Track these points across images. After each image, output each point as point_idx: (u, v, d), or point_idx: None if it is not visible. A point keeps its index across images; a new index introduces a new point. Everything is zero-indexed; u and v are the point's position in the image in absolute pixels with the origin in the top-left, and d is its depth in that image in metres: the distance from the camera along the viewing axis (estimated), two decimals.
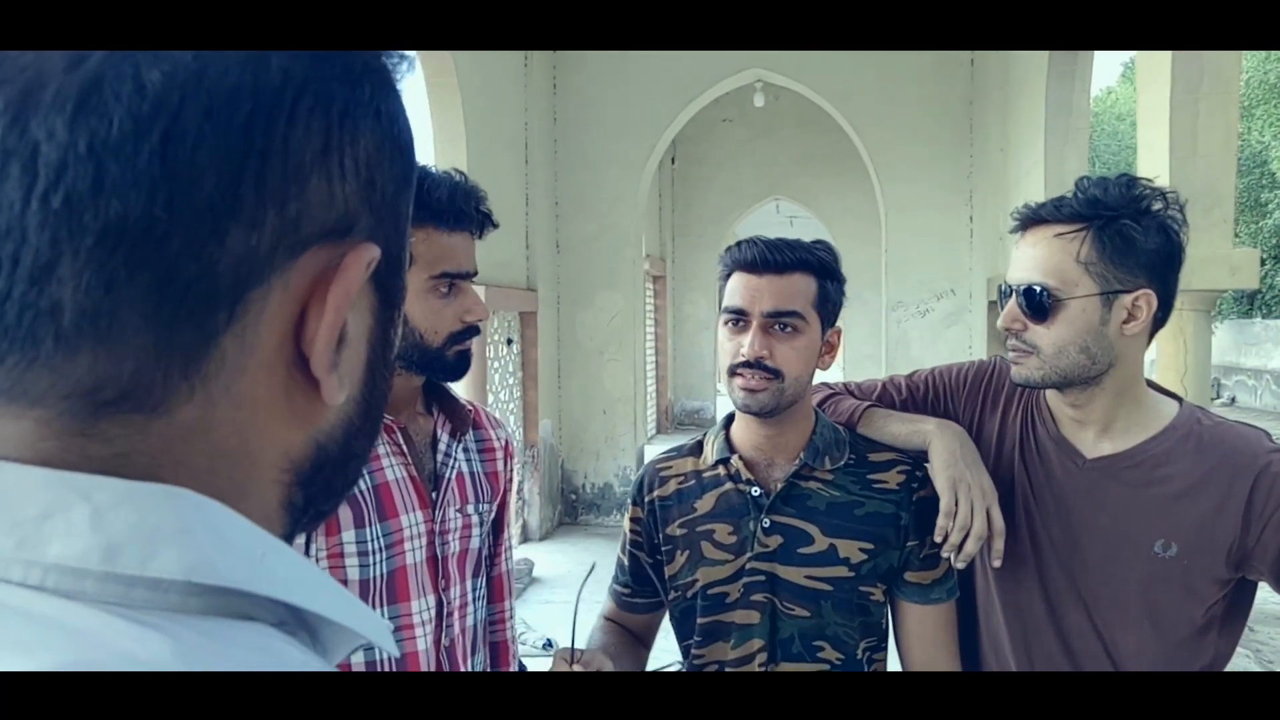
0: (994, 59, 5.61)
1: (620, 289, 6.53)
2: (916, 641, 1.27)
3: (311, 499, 0.38)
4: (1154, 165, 2.89)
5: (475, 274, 1.22)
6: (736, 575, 1.25)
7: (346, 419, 0.38)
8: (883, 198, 6.28)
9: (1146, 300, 1.15)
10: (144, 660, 0.27)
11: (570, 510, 6.74)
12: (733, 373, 1.21)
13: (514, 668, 1.42)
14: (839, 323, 1.28)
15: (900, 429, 1.31)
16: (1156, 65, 2.93)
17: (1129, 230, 1.13)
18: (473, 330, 1.21)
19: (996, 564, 1.19)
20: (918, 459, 1.28)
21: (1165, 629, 1.17)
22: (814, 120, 8.84)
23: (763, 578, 1.24)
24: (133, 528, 0.30)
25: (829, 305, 1.24)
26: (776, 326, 1.20)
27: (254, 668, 0.29)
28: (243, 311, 0.31)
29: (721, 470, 1.30)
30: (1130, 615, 1.18)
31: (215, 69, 0.30)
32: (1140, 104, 3.07)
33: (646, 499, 1.35)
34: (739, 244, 1.25)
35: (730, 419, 1.34)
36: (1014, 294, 1.18)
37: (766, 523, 1.24)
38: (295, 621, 0.35)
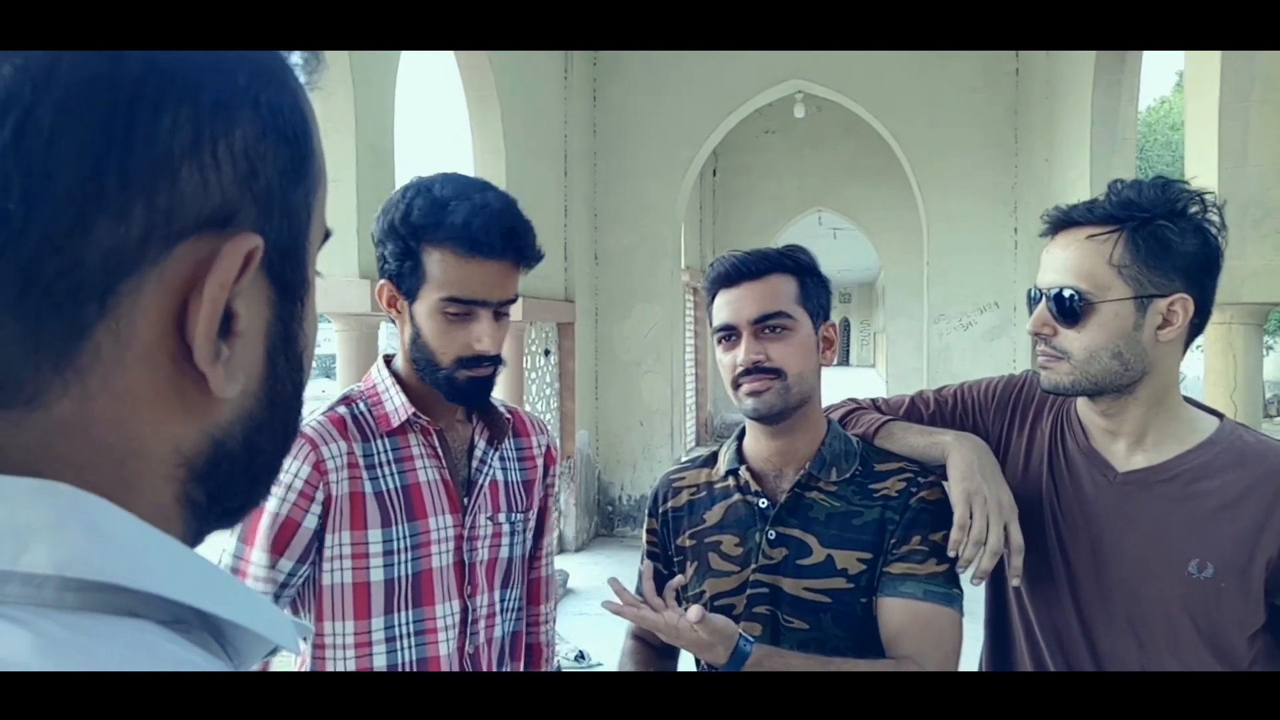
0: (1039, 68, 5.51)
1: (658, 300, 6.53)
2: (883, 632, 1.19)
3: (215, 496, 0.37)
4: (1203, 174, 2.81)
5: (502, 302, 1.16)
6: (741, 587, 1.24)
7: (246, 414, 0.37)
8: (925, 209, 6.20)
9: (1183, 305, 1.10)
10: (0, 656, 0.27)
11: (606, 522, 6.73)
12: (736, 384, 1.23)
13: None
14: (834, 319, 1.31)
15: (919, 441, 1.29)
16: (1205, 71, 2.85)
17: (1164, 232, 1.09)
18: (485, 360, 1.17)
19: (1015, 582, 1.16)
20: (925, 468, 1.25)
21: (1207, 655, 1.12)
22: (856, 132, 8.77)
23: (765, 590, 1.23)
24: (4, 522, 0.29)
25: (814, 301, 1.25)
26: (766, 330, 1.21)
27: (127, 665, 0.29)
28: (114, 304, 0.31)
29: (731, 481, 1.30)
30: (1168, 639, 1.14)
31: (71, 62, 0.30)
32: (1189, 111, 3.00)
33: (661, 510, 1.37)
34: (712, 264, 1.27)
35: (743, 432, 1.34)
36: (1044, 298, 1.15)
37: (772, 534, 1.23)
38: (199, 622, 0.34)
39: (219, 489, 0.37)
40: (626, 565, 5.84)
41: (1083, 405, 1.23)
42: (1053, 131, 5.19)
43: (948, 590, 1.21)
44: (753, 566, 1.24)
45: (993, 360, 5.92)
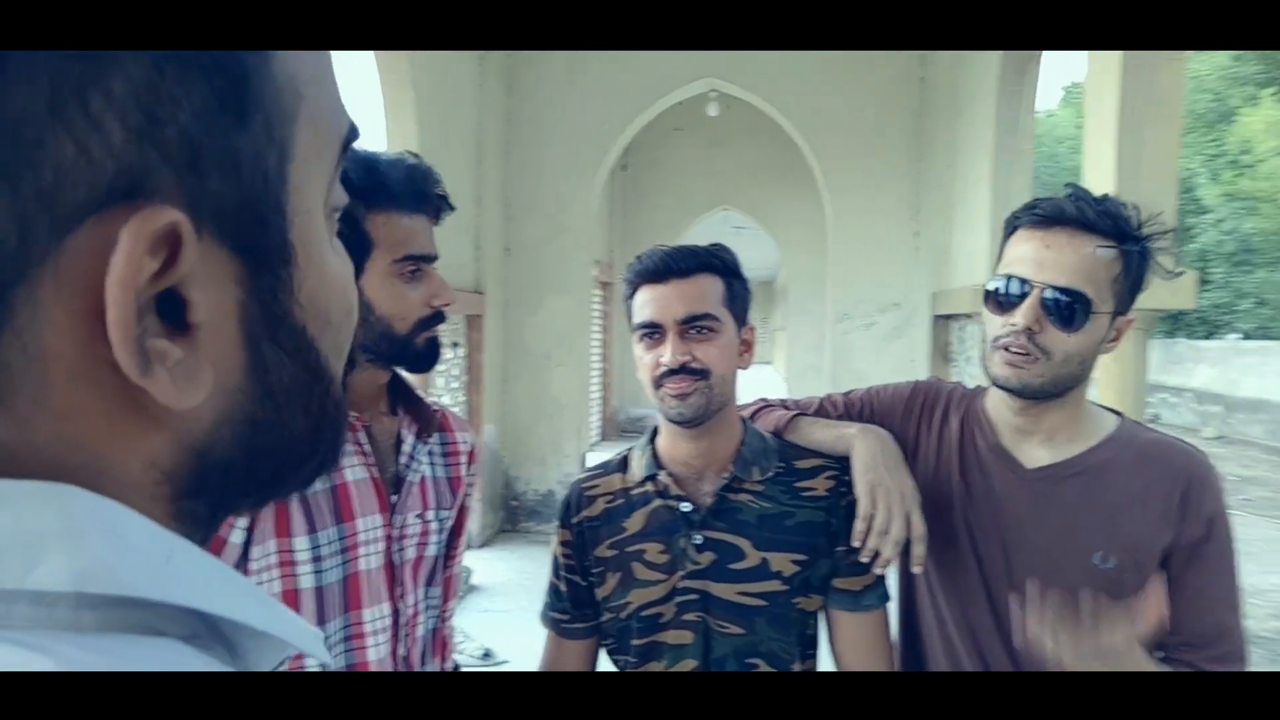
0: (943, 78, 5.70)
1: (570, 293, 6.47)
2: (849, 649, 1.24)
3: (219, 506, 0.32)
4: (1102, 184, 2.95)
5: (437, 257, 1.17)
6: (669, 595, 1.21)
7: (232, 415, 0.31)
8: (831, 210, 6.34)
9: (1129, 325, 1.18)
10: None
11: (511, 517, 6.65)
12: (658, 384, 1.19)
13: (449, 667, 1.36)
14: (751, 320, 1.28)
15: (825, 435, 1.29)
16: (1105, 86, 2.99)
17: (1148, 260, 1.15)
18: (440, 316, 1.17)
19: (917, 570, 1.19)
20: (846, 464, 1.26)
21: None
22: (763, 131, 8.90)
23: (695, 596, 1.20)
24: (10, 532, 0.25)
25: (738, 303, 1.23)
26: (693, 331, 1.18)
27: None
28: (8, 315, 0.26)
29: (650, 486, 1.25)
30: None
31: None
32: (1088, 124, 3.14)
33: (574, 520, 1.30)
34: (638, 257, 1.23)
35: (655, 433, 1.30)
36: (1035, 291, 1.14)
37: (698, 539, 1.21)
38: (209, 634, 0.30)
39: (220, 501, 0.32)
40: (532, 561, 5.78)
41: (996, 404, 1.26)
42: (954, 139, 5.37)
43: (886, 588, 1.26)
44: (680, 573, 1.21)
45: (893, 360, 6.10)
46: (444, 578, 1.31)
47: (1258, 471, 10.70)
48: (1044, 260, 1.13)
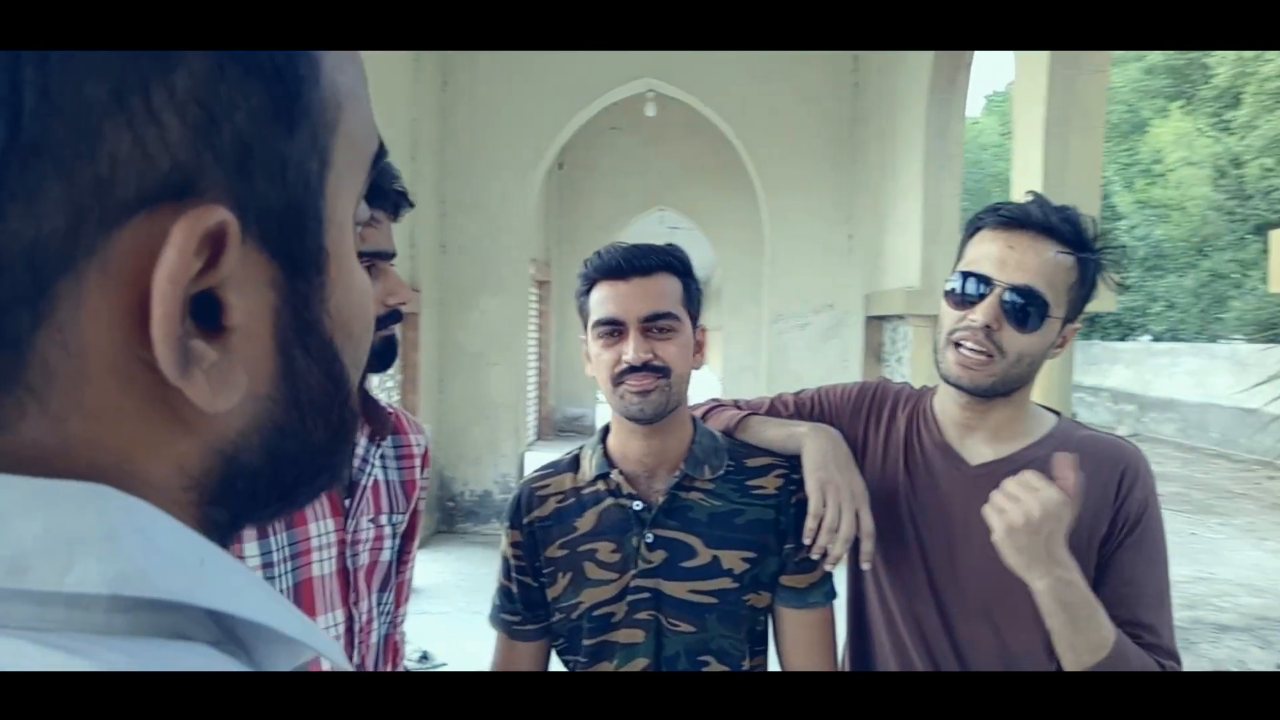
0: (875, 83, 5.82)
1: (506, 293, 6.42)
2: (794, 647, 1.26)
3: (240, 515, 0.32)
4: (1029, 189, 3.05)
5: (395, 255, 1.15)
6: (621, 594, 1.21)
7: (261, 421, 0.31)
8: (767, 211, 6.42)
9: (1074, 332, 1.22)
10: None
11: (448, 518, 6.57)
12: (618, 381, 1.18)
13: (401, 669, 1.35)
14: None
15: (775, 433, 1.31)
16: (1032, 96, 3.10)
17: (1100, 270, 1.20)
18: (397, 315, 1.15)
19: (865, 566, 1.21)
20: (795, 462, 1.28)
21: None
22: (699, 132, 8.96)
23: (647, 595, 1.21)
24: (46, 534, 0.24)
25: (694, 303, 1.25)
26: (654, 330, 1.18)
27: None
28: (50, 310, 0.25)
29: (601, 485, 1.25)
30: (1022, 621, 1.21)
31: None
32: (1016, 133, 3.24)
33: (525, 521, 1.28)
34: (598, 253, 1.22)
35: (606, 432, 1.30)
36: (997, 290, 1.16)
37: (650, 537, 1.21)
38: (229, 640, 0.29)
39: (243, 509, 0.31)
40: (468, 563, 5.72)
41: (943, 401, 1.29)
42: (886, 144, 5.50)
43: (832, 586, 1.28)
44: (632, 572, 1.21)
45: (827, 360, 6.21)
46: (396, 583, 1.29)
47: (1169, 468, 11.17)
48: (1007, 260, 1.16)
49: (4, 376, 0.26)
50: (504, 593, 1.31)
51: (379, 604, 1.20)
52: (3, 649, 0.23)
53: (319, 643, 0.31)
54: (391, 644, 1.30)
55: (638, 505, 1.22)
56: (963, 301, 1.19)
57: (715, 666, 1.21)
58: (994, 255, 1.17)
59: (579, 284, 1.23)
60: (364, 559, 1.16)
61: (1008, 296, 1.15)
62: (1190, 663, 4.56)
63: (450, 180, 6.31)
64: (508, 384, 6.48)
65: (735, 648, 1.22)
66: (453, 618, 4.72)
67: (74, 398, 0.26)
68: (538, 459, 1.35)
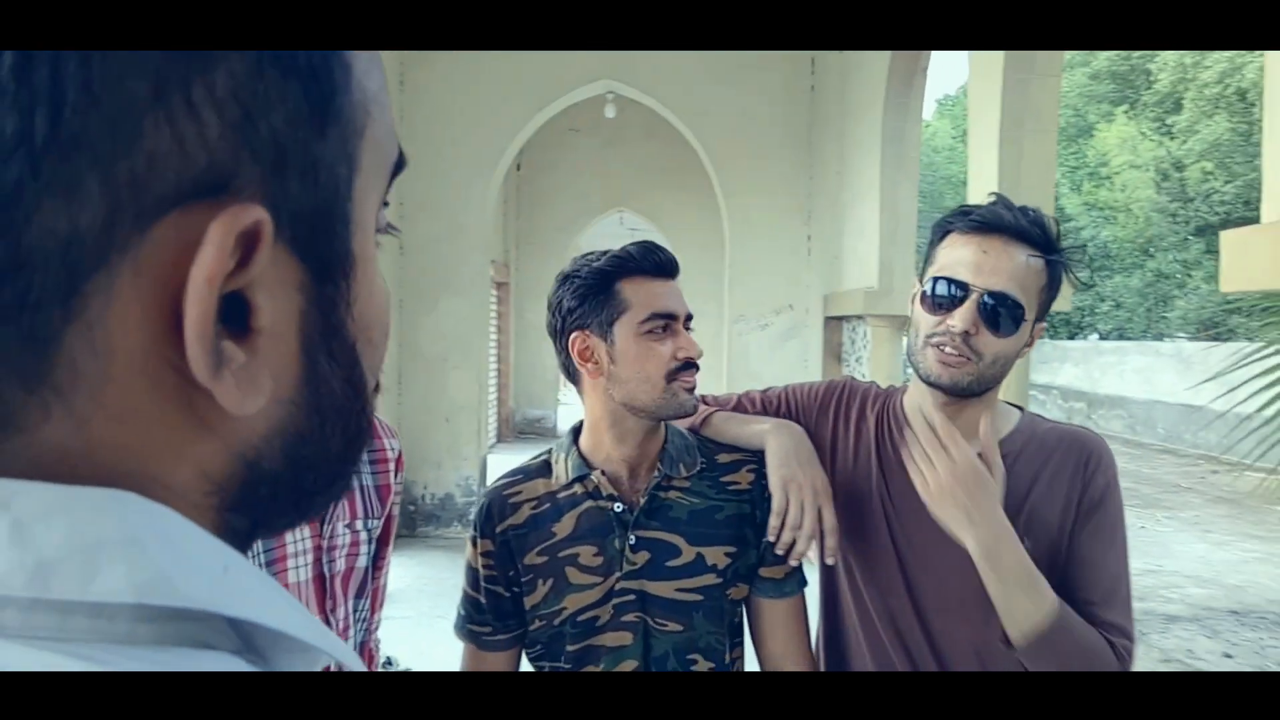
0: (833, 87, 5.89)
1: (466, 294, 6.37)
2: (771, 635, 1.29)
3: (259, 522, 0.31)
4: (985, 191, 3.12)
5: None
6: (606, 597, 1.21)
7: (283, 427, 0.31)
8: (727, 213, 6.45)
9: (1040, 332, 1.24)
10: None
11: (408, 522, 6.50)
12: (672, 377, 1.20)
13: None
14: None
15: (739, 431, 1.33)
16: (987, 100, 3.16)
17: (1066, 272, 1.22)
18: None
19: (830, 561, 1.23)
20: (763, 458, 1.29)
21: None
22: (658, 135, 8.99)
23: (633, 596, 1.21)
24: (68, 541, 0.24)
25: None
26: (688, 328, 1.24)
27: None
28: (82, 306, 0.25)
29: (578, 488, 1.24)
30: (996, 615, 1.24)
31: None
32: (971, 135, 3.30)
33: (497, 530, 1.25)
34: (631, 251, 1.22)
35: (577, 434, 1.29)
36: (974, 295, 1.17)
37: (632, 539, 1.21)
38: (249, 649, 0.29)
39: (262, 516, 0.31)
40: (431, 567, 5.66)
41: (918, 400, 1.31)
42: (844, 147, 5.56)
43: (804, 573, 1.31)
44: (616, 574, 1.21)
45: (786, 360, 6.26)
46: (371, 589, 1.28)
47: (1118, 464, 11.44)
48: (983, 265, 1.17)
49: (30, 375, 0.25)
50: (472, 604, 1.28)
51: (355, 610, 1.19)
52: (31, 661, 0.22)
53: (336, 650, 0.31)
54: (367, 651, 1.29)
55: (618, 507, 1.22)
56: (940, 306, 1.20)
57: (702, 664, 1.22)
58: (969, 260, 1.18)
59: (594, 278, 1.21)
60: (340, 565, 1.15)
61: (986, 300, 1.16)
62: (1141, 653, 4.68)
63: (409, 181, 6.25)
64: (469, 386, 6.43)
65: (719, 643, 1.24)
66: (415, 622, 4.68)
67: (99, 399, 0.26)
68: (499, 461, 1.34)
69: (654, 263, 1.21)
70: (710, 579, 1.22)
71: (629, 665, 1.21)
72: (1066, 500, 1.22)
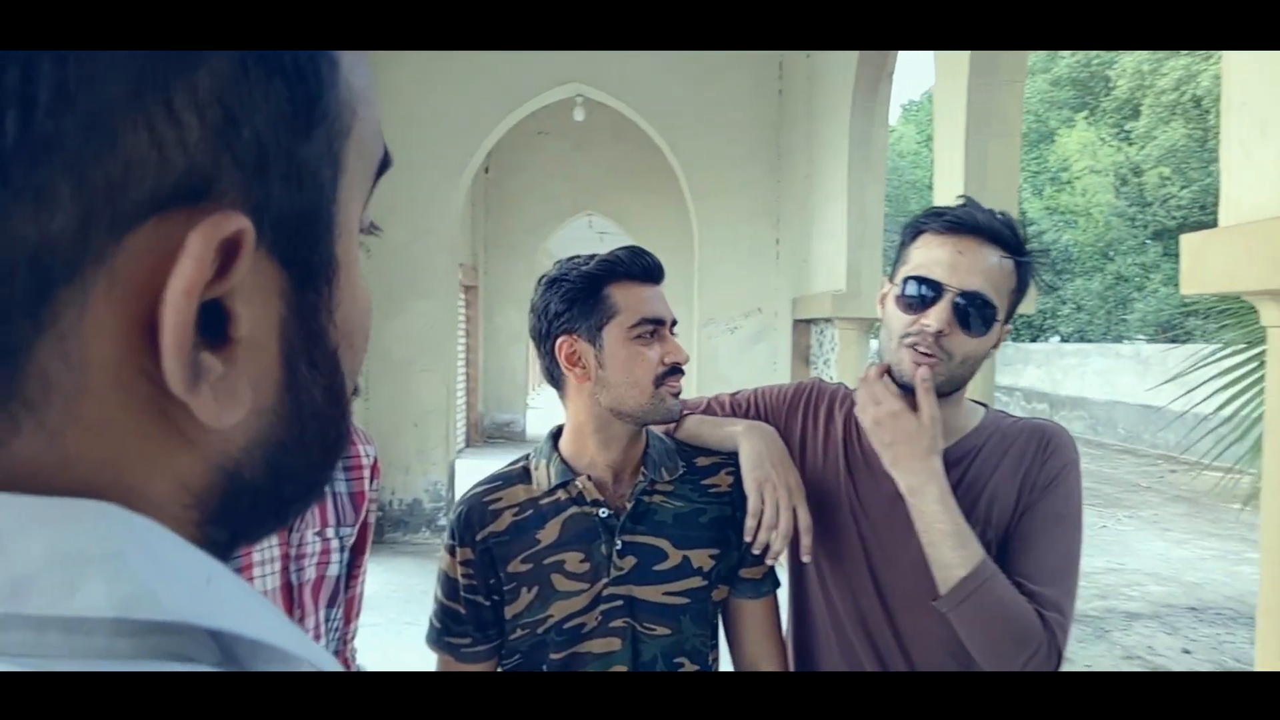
0: (800, 90, 5.93)
1: (434, 297, 6.33)
2: (749, 635, 1.30)
3: (241, 532, 0.31)
4: (952, 194, 3.15)
5: None
6: (593, 603, 1.20)
7: (265, 437, 0.30)
8: (696, 216, 6.47)
9: (1007, 332, 1.26)
10: None
11: (376, 528, 6.41)
12: (660, 381, 1.19)
13: None
14: None
15: (713, 434, 1.34)
16: (953, 104, 3.20)
17: (1034, 273, 1.24)
18: None
19: (806, 559, 1.24)
20: (738, 459, 1.30)
21: None
22: (627, 137, 8.99)
23: (620, 602, 1.20)
24: (47, 554, 0.23)
25: None
26: (670, 333, 1.23)
27: None
28: (52, 317, 0.24)
29: (562, 494, 1.23)
30: None
31: None
32: (938, 139, 3.34)
33: (478, 538, 1.22)
34: (620, 255, 1.22)
35: (556, 439, 1.28)
36: (948, 295, 1.18)
37: (619, 544, 1.20)
38: (229, 661, 0.28)
39: (242, 527, 0.30)
40: (399, 573, 5.61)
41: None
42: (812, 150, 5.60)
43: (776, 574, 1.33)
44: (604, 580, 1.20)
45: (755, 363, 6.29)
46: (345, 598, 1.26)
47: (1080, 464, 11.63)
48: (957, 265, 1.18)
49: (2, 385, 0.24)
50: (449, 614, 1.25)
51: (327, 620, 1.17)
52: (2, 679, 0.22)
53: (318, 658, 0.30)
54: (342, 660, 1.27)
55: (604, 512, 1.21)
56: (914, 306, 1.21)
57: (689, 667, 1.23)
58: (943, 260, 1.19)
59: (582, 282, 1.20)
60: (310, 573, 1.13)
61: (960, 300, 1.17)
62: (1103, 650, 4.76)
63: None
64: (437, 390, 6.38)
65: (703, 644, 1.25)
66: (384, 629, 4.63)
67: (73, 412, 0.25)
68: (468, 466, 1.32)
69: (642, 267, 1.21)
70: (696, 582, 1.23)
71: (618, 670, 1.21)
72: (1022, 482, 1.24)
